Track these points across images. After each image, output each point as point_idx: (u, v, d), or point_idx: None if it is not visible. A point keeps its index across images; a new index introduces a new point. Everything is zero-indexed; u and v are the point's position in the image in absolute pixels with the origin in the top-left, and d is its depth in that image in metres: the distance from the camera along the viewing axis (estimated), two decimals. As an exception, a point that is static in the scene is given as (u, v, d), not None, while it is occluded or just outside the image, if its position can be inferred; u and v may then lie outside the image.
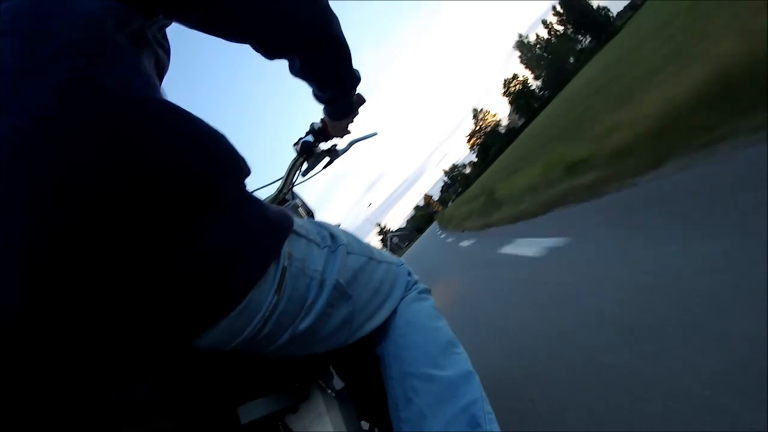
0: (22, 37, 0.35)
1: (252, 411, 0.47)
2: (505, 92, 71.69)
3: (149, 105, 0.38)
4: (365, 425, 0.73)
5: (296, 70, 0.63)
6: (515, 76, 71.22)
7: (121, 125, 0.35)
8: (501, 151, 54.61)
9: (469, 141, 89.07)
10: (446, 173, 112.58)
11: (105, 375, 0.36)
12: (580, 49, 58.87)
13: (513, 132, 65.39)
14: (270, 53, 0.56)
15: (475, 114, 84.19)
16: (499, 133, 78.02)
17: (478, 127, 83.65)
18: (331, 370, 0.65)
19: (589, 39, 58.67)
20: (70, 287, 0.33)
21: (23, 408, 0.32)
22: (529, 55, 68.03)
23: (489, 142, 79.53)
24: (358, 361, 0.69)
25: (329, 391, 0.61)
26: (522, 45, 68.89)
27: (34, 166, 0.32)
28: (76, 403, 0.34)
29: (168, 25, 0.52)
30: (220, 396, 0.45)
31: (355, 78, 0.69)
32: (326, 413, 0.58)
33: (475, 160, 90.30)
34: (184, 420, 0.39)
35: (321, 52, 0.59)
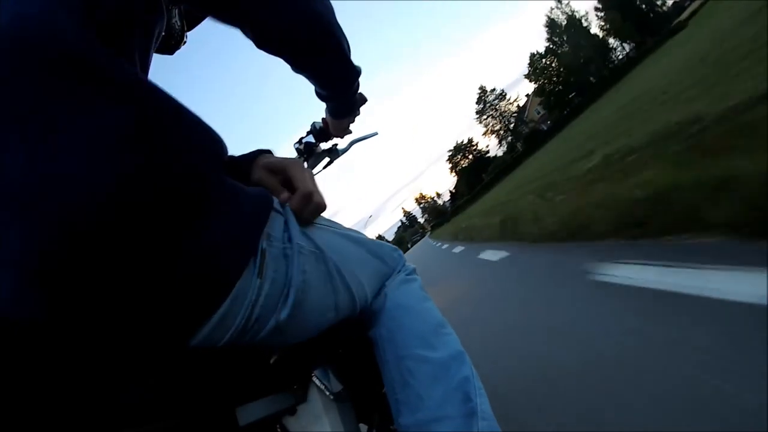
0: (12, 29, 0.34)
1: (250, 412, 0.47)
2: (529, 73, 47.04)
3: (141, 100, 0.38)
4: (364, 428, 0.73)
5: (297, 67, 0.63)
6: (549, 52, 45.51)
7: (114, 123, 0.35)
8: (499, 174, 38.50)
9: (450, 159, 63.64)
10: (405, 213, 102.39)
11: (104, 375, 0.36)
12: (608, 63, 42.10)
13: (535, 136, 42.78)
14: (269, 49, 0.56)
15: (482, 94, 55.51)
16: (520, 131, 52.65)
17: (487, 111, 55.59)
18: (330, 371, 0.65)
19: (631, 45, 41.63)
20: (68, 289, 0.33)
21: (23, 408, 0.31)
22: (557, 39, 44.85)
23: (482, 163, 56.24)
24: (357, 362, 0.69)
25: (328, 393, 0.61)
26: (553, 24, 44.98)
27: (30, 167, 0.32)
28: (75, 404, 0.33)
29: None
30: (218, 397, 0.44)
31: (355, 73, 0.69)
32: (324, 415, 0.58)
33: (453, 190, 67.85)
34: (182, 421, 0.38)
35: (322, 50, 0.59)
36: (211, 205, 0.40)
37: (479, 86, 57.74)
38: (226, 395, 0.45)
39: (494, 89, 57.42)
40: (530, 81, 48.42)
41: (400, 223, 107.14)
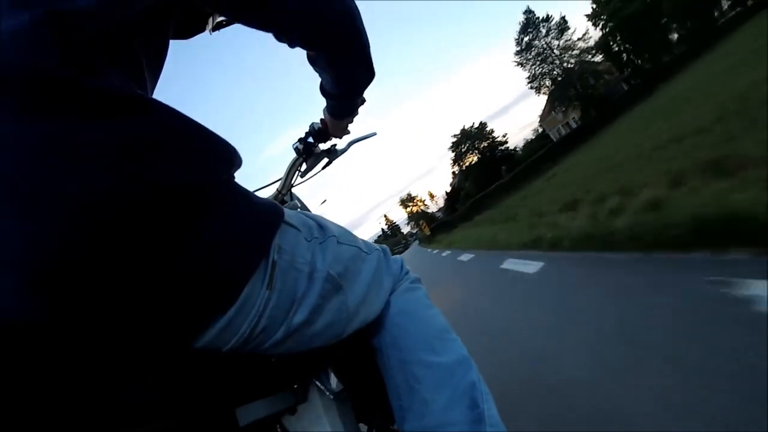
0: (15, 40, 0.34)
1: (250, 412, 0.47)
2: (593, 13, 28.66)
3: (140, 105, 0.38)
4: (364, 428, 0.73)
5: (318, 63, 0.64)
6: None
7: (113, 128, 0.35)
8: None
9: (454, 148, 45.17)
10: (388, 222, 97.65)
11: (105, 375, 0.36)
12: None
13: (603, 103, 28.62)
14: (298, 45, 0.57)
15: (530, 22, 31.91)
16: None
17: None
18: (330, 371, 0.65)
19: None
20: (68, 289, 0.33)
21: (24, 408, 0.31)
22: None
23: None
24: (358, 362, 0.68)
25: (328, 393, 0.61)
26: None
27: (29, 169, 0.32)
28: (76, 404, 0.33)
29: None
30: (218, 397, 0.44)
31: (371, 76, 0.69)
32: (324, 415, 0.58)
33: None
34: (183, 421, 0.38)
35: (351, 50, 0.60)
36: (211, 206, 0.40)
37: (525, 9, 33.32)
38: (226, 395, 0.45)
39: (549, 16, 33.00)
40: (594, 25, 29.91)
41: (381, 232, 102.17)
